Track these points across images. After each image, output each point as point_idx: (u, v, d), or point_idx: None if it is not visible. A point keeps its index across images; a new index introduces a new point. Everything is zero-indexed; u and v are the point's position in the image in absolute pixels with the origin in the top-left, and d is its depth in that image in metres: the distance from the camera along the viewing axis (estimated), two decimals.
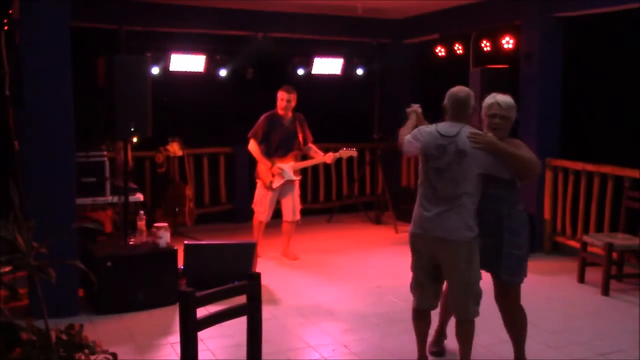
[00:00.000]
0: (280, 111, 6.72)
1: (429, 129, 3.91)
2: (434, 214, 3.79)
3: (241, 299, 2.72)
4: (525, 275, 3.99)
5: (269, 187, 6.74)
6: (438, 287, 3.99)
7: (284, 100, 6.67)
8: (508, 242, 3.84)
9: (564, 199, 7.01)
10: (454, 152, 3.72)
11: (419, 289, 4.00)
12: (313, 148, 7.02)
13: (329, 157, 6.99)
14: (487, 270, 3.96)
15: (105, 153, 6.07)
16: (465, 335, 3.89)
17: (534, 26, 7.09)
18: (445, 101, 3.91)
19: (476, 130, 3.78)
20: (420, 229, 3.88)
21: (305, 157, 7.41)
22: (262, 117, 6.76)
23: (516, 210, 3.89)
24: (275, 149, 6.77)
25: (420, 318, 4.06)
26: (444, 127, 3.84)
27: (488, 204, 3.82)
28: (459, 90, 3.91)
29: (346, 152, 7.04)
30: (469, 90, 3.94)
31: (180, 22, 8.02)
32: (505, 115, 3.85)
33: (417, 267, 3.99)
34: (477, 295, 3.85)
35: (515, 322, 4.04)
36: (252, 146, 6.78)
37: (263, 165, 6.77)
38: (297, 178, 6.88)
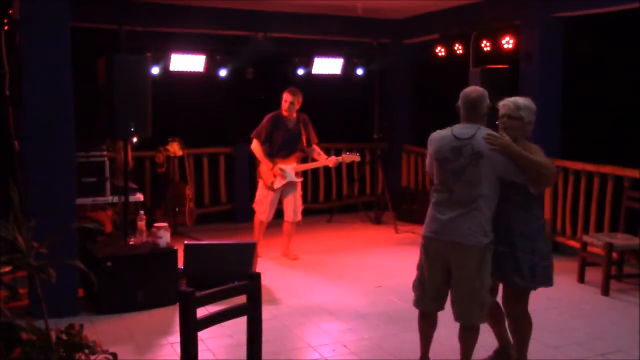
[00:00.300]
0: (284, 112, 6.71)
1: (443, 132, 3.82)
2: (450, 217, 3.71)
3: (241, 299, 2.72)
4: (547, 284, 3.89)
5: (270, 188, 6.74)
6: (443, 289, 3.88)
7: (288, 102, 6.65)
8: (520, 247, 3.78)
9: (564, 199, 7.02)
10: (469, 154, 3.66)
11: (420, 289, 3.96)
12: (317, 150, 7.00)
13: (332, 161, 6.98)
14: (498, 278, 3.90)
15: (105, 153, 6.07)
16: (469, 340, 3.85)
17: (534, 26, 7.09)
18: (458, 102, 3.85)
19: (492, 132, 3.73)
20: (433, 232, 3.80)
21: (307, 158, 7.41)
22: (266, 118, 6.76)
23: (530, 215, 3.83)
24: (278, 149, 6.76)
25: (423, 319, 4.02)
26: (459, 129, 3.77)
27: (500, 208, 3.77)
28: (471, 90, 3.84)
29: (349, 157, 7.02)
30: (482, 90, 3.84)
31: (180, 22, 8.02)
32: (514, 115, 3.82)
33: (424, 268, 3.91)
34: (484, 301, 3.78)
35: (520, 327, 4.00)
36: (255, 146, 6.78)
37: (265, 166, 6.77)
38: (298, 180, 6.87)
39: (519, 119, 3.83)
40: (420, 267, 3.98)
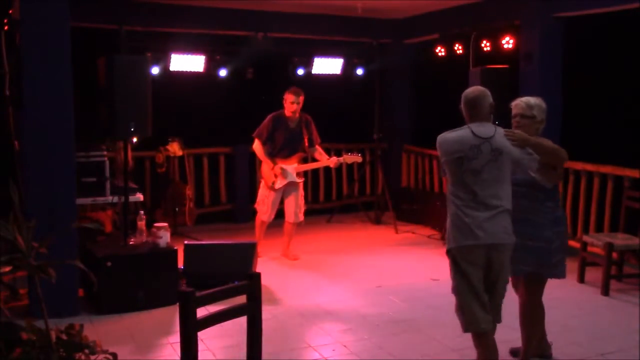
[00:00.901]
0: (288, 113, 6.69)
1: (457, 132, 3.73)
2: (483, 219, 3.60)
3: (241, 299, 2.72)
4: (557, 274, 4.00)
5: (272, 188, 6.74)
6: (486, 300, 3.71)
7: (294, 103, 6.63)
8: (529, 235, 3.89)
9: (564, 199, 7.00)
10: (488, 151, 3.62)
11: (477, 308, 3.64)
12: (319, 150, 6.99)
13: (333, 162, 6.96)
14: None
15: (105, 153, 6.07)
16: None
17: (534, 26, 7.09)
18: (460, 104, 3.83)
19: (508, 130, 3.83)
20: (474, 238, 3.60)
21: (307, 159, 7.41)
22: (268, 117, 6.75)
23: (543, 206, 3.94)
24: (279, 149, 6.76)
25: (487, 340, 3.70)
26: (477, 127, 3.69)
27: (514, 200, 3.80)
28: (470, 90, 3.83)
29: (350, 158, 7.01)
30: (482, 89, 3.83)
31: (180, 22, 8.02)
32: (526, 114, 3.98)
33: (475, 281, 3.63)
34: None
35: (530, 317, 4.07)
36: (257, 146, 6.78)
37: (266, 166, 6.77)
38: (299, 180, 6.87)
39: (532, 117, 3.98)
40: (461, 287, 3.67)
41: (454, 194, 3.70)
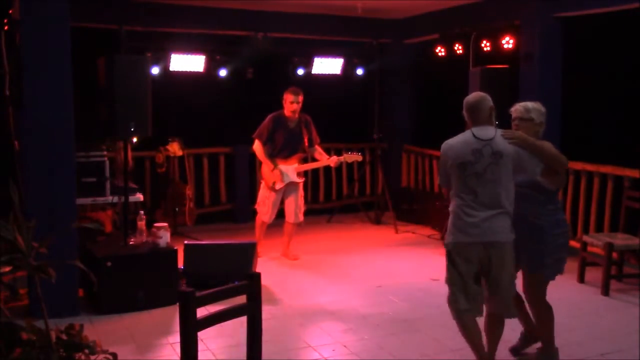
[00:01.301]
0: (288, 113, 6.68)
1: (459, 137, 3.89)
2: (481, 218, 3.78)
3: (241, 299, 2.72)
4: (556, 271, 4.13)
5: (272, 188, 6.74)
6: (482, 291, 3.93)
7: (293, 102, 6.62)
8: (529, 236, 3.99)
9: (564, 199, 7.01)
10: (489, 154, 3.77)
11: (470, 299, 3.89)
12: (319, 150, 6.99)
13: (333, 161, 6.96)
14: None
15: (105, 153, 6.08)
16: (498, 331, 3.99)
17: (534, 26, 7.09)
18: (463, 109, 3.97)
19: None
20: (469, 236, 3.81)
21: (307, 159, 7.40)
22: (268, 118, 6.74)
23: (545, 209, 4.02)
24: (280, 150, 6.75)
25: (469, 323, 3.94)
26: (478, 131, 3.85)
27: (517, 202, 3.91)
28: (470, 96, 3.99)
29: (351, 157, 7.01)
30: (481, 93, 4.00)
31: (180, 22, 8.02)
32: (525, 117, 4.06)
33: (465, 276, 3.86)
34: (514, 293, 3.98)
35: (537, 314, 4.18)
36: (257, 147, 6.77)
37: (266, 167, 6.77)
38: (300, 180, 6.86)
39: (530, 120, 4.07)
40: (454, 279, 3.90)
41: (457, 195, 3.88)
